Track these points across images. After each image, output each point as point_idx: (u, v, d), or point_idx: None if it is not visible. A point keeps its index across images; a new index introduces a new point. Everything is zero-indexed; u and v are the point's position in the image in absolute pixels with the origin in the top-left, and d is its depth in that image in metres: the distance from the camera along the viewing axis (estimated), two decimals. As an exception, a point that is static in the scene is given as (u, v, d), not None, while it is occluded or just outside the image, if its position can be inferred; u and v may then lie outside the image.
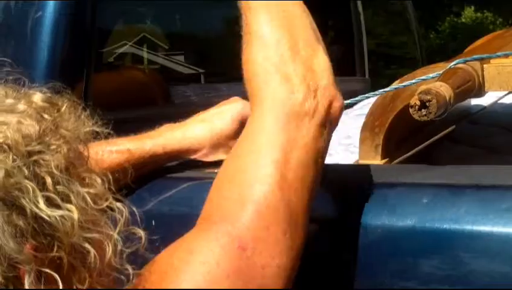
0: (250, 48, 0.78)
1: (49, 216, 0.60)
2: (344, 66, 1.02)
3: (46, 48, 1.12)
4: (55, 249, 0.60)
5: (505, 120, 1.40)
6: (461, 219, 0.79)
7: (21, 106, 0.65)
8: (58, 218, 0.60)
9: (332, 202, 0.87)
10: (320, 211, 0.84)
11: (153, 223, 0.94)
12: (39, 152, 0.61)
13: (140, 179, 0.98)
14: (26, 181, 0.59)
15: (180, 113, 1.00)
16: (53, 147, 0.63)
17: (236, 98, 1.00)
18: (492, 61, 1.02)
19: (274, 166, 0.70)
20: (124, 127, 0.99)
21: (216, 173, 0.93)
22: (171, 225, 0.93)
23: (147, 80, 1.87)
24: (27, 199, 0.59)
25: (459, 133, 1.32)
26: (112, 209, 0.67)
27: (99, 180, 0.66)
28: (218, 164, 1.01)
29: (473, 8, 9.39)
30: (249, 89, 0.78)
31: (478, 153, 1.29)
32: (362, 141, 1.09)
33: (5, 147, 0.60)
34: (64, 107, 0.68)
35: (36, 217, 0.59)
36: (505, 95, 1.43)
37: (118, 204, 0.67)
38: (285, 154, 0.71)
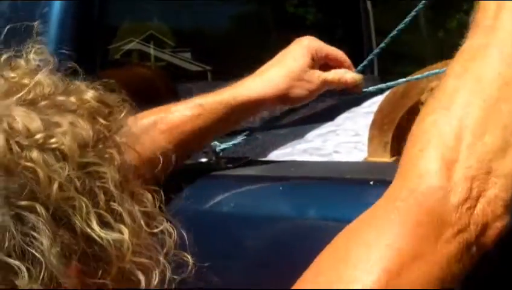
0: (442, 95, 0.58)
1: (101, 238, 0.53)
2: (353, 64, 1.01)
3: (53, 44, 1.11)
4: (99, 274, 0.54)
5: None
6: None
7: (72, 103, 0.57)
8: (111, 241, 0.53)
9: (339, 200, 0.86)
10: (327, 209, 0.83)
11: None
12: (94, 163, 0.55)
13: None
14: (80, 196, 0.53)
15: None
16: (106, 156, 0.56)
17: (303, 37, 0.96)
18: (503, 58, 1.00)
19: (379, 276, 0.51)
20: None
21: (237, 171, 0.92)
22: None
23: (152, 77, 1.86)
24: (79, 217, 0.53)
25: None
26: (161, 231, 0.60)
27: (150, 198, 0.60)
28: (237, 160, 1.00)
29: (482, 6, 9.33)
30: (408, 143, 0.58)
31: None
32: (371, 138, 1.08)
33: (60, 155, 0.53)
34: (118, 110, 0.61)
35: (87, 238, 0.53)
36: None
37: (167, 225, 0.61)
38: (401, 266, 0.51)
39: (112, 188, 0.55)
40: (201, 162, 1.02)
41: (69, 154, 0.54)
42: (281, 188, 0.89)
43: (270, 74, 0.93)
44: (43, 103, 0.56)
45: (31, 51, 0.63)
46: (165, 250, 0.60)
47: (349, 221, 0.81)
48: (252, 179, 0.95)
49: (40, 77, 0.59)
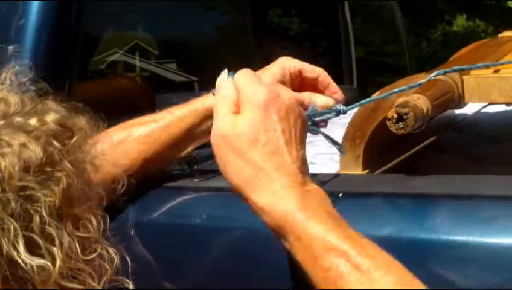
0: None
1: (25, 263, 0.54)
2: (331, 74, 1.01)
3: (29, 55, 1.12)
4: None
5: (488, 129, 1.41)
6: (438, 229, 0.80)
7: (32, 124, 0.58)
8: (35, 267, 0.54)
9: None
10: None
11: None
12: (33, 188, 0.55)
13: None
14: (10, 219, 0.54)
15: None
16: (52, 179, 0.57)
17: (282, 57, 0.95)
18: (472, 72, 1.02)
19: None
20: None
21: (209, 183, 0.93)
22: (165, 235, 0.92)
23: (133, 88, 1.87)
24: (6, 239, 0.53)
25: (443, 143, 1.33)
26: (101, 256, 0.61)
27: (95, 223, 0.60)
28: (210, 172, 1.00)
29: (464, 16, 9.43)
30: None
31: (462, 163, 1.29)
32: (343, 152, 1.09)
33: None
34: (78, 135, 0.61)
35: (11, 261, 0.54)
36: (489, 104, 1.43)
37: (110, 250, 0.62)
38: None
39: (47, 212, 0.55)
40: (175, 174, 1.03)
41: (6, 177, 0.54)
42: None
43: None
44: (0, 122, 0.57)
45: (8, 71, 0.64)
46: (105, 277, 0.60)
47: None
48: (224, 190, 0.96)
49: (6, 95, 0.60)
